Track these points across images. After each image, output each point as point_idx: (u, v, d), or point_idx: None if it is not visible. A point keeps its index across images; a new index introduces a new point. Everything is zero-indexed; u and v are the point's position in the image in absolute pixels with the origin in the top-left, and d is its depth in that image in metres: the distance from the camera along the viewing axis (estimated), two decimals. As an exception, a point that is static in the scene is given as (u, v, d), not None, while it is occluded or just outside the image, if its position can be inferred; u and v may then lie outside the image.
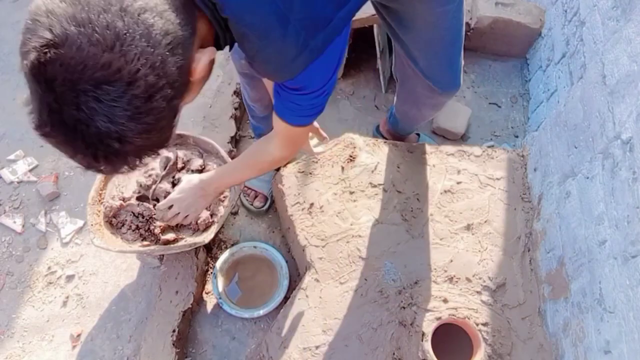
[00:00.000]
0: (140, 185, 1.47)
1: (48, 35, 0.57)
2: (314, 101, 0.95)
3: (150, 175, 1.48)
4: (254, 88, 1.50)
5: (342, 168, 1.62)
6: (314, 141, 1.50)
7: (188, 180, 1.37)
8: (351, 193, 1.58)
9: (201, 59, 0.71)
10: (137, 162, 0.67)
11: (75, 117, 0.59)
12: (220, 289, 1.58)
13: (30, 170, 1.89)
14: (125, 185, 1.51)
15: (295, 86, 0.91)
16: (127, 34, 0.58)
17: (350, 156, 1.64)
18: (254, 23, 0.76)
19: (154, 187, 1.46)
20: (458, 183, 1.60)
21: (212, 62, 0.76)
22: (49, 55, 0.57)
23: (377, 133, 1.93)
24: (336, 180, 1.60)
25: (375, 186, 1.59)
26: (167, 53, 0.62)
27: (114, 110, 0.59)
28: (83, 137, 0.61)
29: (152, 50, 0.60)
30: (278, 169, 1.79)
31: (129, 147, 0.64)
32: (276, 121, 1.04)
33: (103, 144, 0.62)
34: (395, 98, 1.67)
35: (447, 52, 1.30)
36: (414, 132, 1.90)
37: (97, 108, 0.59)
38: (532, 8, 2.08)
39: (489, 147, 1.74)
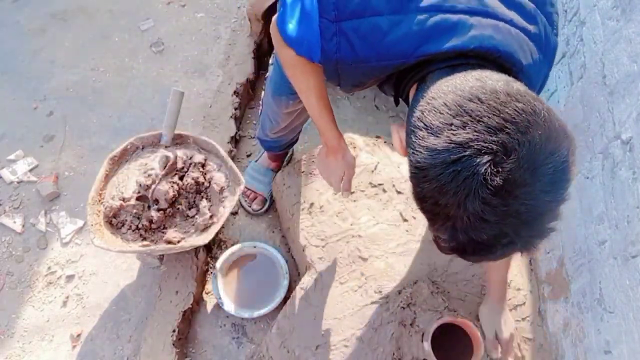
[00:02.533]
0: (140, 185, 1.47)
1: (489, 158, 0.58)
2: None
3: (149, 175, 1.48)
4: (283, 125, 1.50)
5: (342, 168, 1.62)
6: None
7: (490, 318, 1.35)
8: (351, 193, 1.57)
9: None
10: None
11: (544, 201, 0.61)
12: (222, 291, 1.57)
13: (30, 170, 1.89)
14: (125, 185, 1.50)
15: None
16: (531, 106, 0.61)
17: (350, 156, 1.64)
18: (531, 76, 0.83)
19: (153, 187, 1.46)
20: (458, 183, 1.60)
21: None
22: (506, 168, 0.58)
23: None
24: (336, 180, 1.60)
25: (375, 186, 1.59)
26: (544, 103, 0.66)
27: (567, 171, 0.62)
28: (544, 218, 0.63)
29: (543, 104, 0.64)
30: (277, 171, 1.80)
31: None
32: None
33: (559, 211, 0.64)
34: None
35: None
36: None
37: (557, 179, 0.61)
38: (532, 8, 2.08)
39: (489, 147, 1.74)
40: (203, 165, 1.54)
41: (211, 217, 1.47)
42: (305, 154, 1.73)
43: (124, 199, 1.46)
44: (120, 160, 1.54)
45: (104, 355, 1.55)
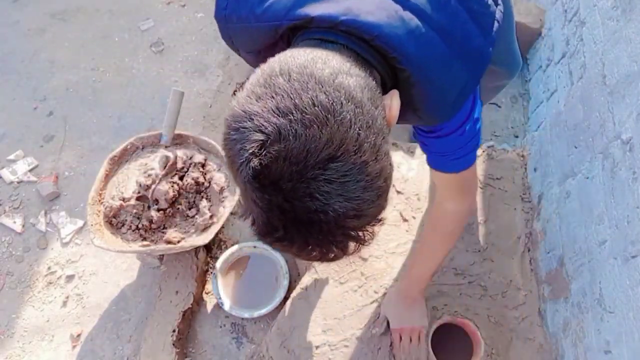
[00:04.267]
0: (140, 185, 1.47)
1: (260, 137, 0.54)
2: (468, 134, 0.86)
3: (149, 175, 1.48)
4: None
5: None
6: None
7: (387, 300, 1.32)
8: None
9: (392, 105, 0.66)
10: (367, 237, 0.61)
11: (310, 208, 0.54)
12: (222, 291, 1.57)
13: (30, 170, 1.89)
14: (125, 185, 1.51)
15: (442, 131, 0.85)
16: (334, 103, 0.55)
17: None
18: (430, 71, 0.71)
19: (153, 187, 1.46)
20: (458, 183, 1.60)
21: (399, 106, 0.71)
22: (269, 154, 0.53)
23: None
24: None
25: (375, 186, 1.59)
26: (372, 107, 0.59)
27: (348, 186, 0.55)
28: (320, 228, 0.56)
29: (360, 110, 0.57)
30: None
31: (365, 221, 0.59)
32: (439, 178, 0.96)
33: (341, 226, 0.57)
34: None
35: (508, 34, 1.25)
36: None
37: (331, 190, 0.54)
38: (532, 8, 2.08)
39: (489, 147, 1.73)
40: (203, 165, 1.54)
41: (211, 217, 1.47)
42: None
43: (124, 199, 1.47)
44: (120, 160, 1.55)
45: (104, 355, 1.55)
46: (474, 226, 1.52)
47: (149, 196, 1.46)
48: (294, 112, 0.54)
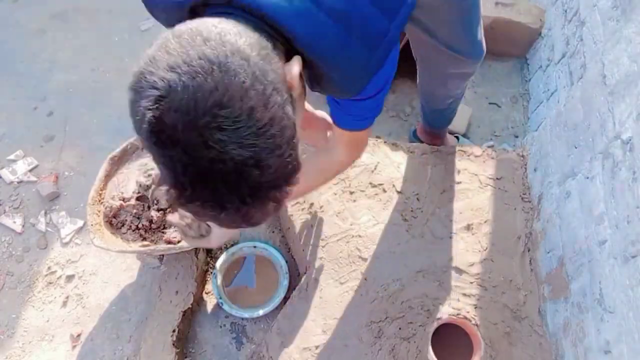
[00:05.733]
0: (140, 185, 1.47)
1: (154, 93, 0.57)
2: (374, 103, 0.95)
3: (149, 176, 1.48)
4: None
5: (342, 168, 1.62)
6: None
7: None
8: (351, 193, 1.58)
9: (292, 69, 0.70)
10: (281, 195, 0.63)
11: (208, 157, 0.57)
12: (222, 291, 1.58)
13: (30, 170, 1.89)
14: (125, 185, 1.51)
15: (359, 96, 0.90)
16: (219, 55, 0.58)
17: (350, 156, 1.64)
18: (322, 51, 0.76)
19: (153, 187, 1.46)
20: (458, 183, 1.60)
21: (302, 76, 0.75)
22: (161, 107, 0.57)
23: (415, 138, 1.91)
24: (336, 180, 1.60)
25: (375, 186, 1.59)
26: (261, 62, 0.62)
27: (240, 132, 0.57)
28: (223, 179, 0.58)
29: (246, 62, 0.60)
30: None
31: (268, 174, 0.60)
32: (337, 130, 1.03)
33: (244, 177, 0.59)
34: (418, 82, 1.62)
35: (465, 22, 1.28)
36: (448, 124, 1.84)
37: (224, 137, 0.56)
38: (532, 8, 2.08)
39: (489, 147, 1.74)
40: None
41: (211, 217, 1.47)
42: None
43: (124, 199, 1.47)
44: (120, 160, 1.55)
45: (104, 355, 1.55)
46: (474, 226, 1.52)
47: (149, 196, 1.45)
48: (181, 66, 0.57)
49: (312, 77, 0.82)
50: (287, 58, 0.71)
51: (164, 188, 0.62)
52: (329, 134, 1.35)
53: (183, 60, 0.58)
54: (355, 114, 0.98)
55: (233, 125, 0.57)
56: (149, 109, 0.57)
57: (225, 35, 0.61)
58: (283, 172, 0.63)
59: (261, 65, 0.61)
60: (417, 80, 1.62)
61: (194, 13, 0.76)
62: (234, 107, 0.57)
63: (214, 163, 0.57)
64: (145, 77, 0.58)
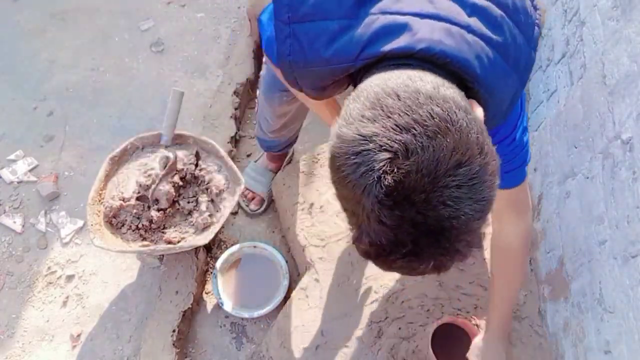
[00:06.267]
0: (140, 185, 1.47)
1: (388, 155, 0.56)
2: (518, 143, 0.94)
3: (149, 175, 1.48)
4: (277, 127, 1.51)
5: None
6: None
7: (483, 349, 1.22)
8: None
9: (478, 111, 0.70)
10: (480, 241, 0.65)
11: (444, 215, 0.57)
12: (222, 291, 1.57)
13: (30, 170, 1.89)
14: (125, 185, 1.51)
15: (495, 138, 0.86)
16: (448, 113, 0.58)
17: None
18: (492, 86, 0.75)
19: (153, 187, 1.46)
20: (458, 183, 1.60)
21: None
22: (402, 169, 0.56)
23: None
24: (336, 180, 1.59)
25: (375, 186, 1.59)
26: (474, 113, 0.63)
27: (476, 188, 0.58)
28: (450, 235, 0.58)
29: (471, 116, 0.61)
30: (277, 172, 1.79)
31: (484, 221, 0.62)
32: (501, 201, 0.99)
33: (469, 230, 0.60)
34: None
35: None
36: None
37: (461, 194, 0.57)
38: (532, 8, 2.08)
39: (489, 147, 1.73)
40: (196, 165, 1.54)
41: (211, 217, 1.47)
42: (306, 154, 1.73)
43: (124, 199, 1.47)
44: (120, 160, 1.55)
45: (104, 355, 1.55)
46: (474, 226, 1.52)
47: (149, 196, 1.45)
48: (415, 126, 0.56)
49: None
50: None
51: (362, 245, 0.62)
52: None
53: (414, 120, 0.57)
54: (508, 164, 0.94)
55: (470, 182, 0.57)
56: (387, 172, 0.56)
57: (439, 89, 0.61)
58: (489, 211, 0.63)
59: (474, 117, 0.62)
60: None
61: (351, 74, 0.77)
62: (473, 165, 0.57)
63: (448, 220, 0.57)
64: (372, 139, 0.57)
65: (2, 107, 2.04)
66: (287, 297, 1.52)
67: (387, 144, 0.56)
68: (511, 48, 0.77)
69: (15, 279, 1.69)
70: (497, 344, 1.19)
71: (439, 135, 0.56)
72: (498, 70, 0.75)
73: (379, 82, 0.63)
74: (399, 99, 0.59)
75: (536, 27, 0.82)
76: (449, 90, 0.62)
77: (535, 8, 0.84)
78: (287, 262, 1.63)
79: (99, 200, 1.47)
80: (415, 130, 0.56)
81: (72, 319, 1.62)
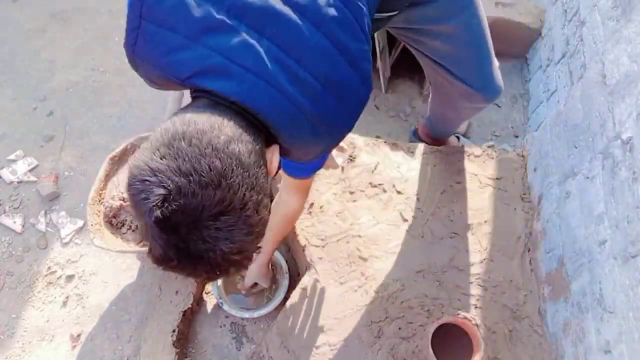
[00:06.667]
0: (140, 185, 1.47)
1: (163, 192, 0.64)
2: (318, 163, 1.08)
3: (150, 175, 1.48)
4: None
5: (342, 168, 1.62)
6: (334, 153, 1.54)
7: (251, 271, 1.54)
8: (351, 193, 1.58)
9: (272, 158, 0.81)
10: (246, 264, 0.74)
11: (202, 248, 0.66)
12: (222, 291, 1.57)
13: (30, 170, 1.89)
14: (125, 185, 1.51)
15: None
16: (226, 169, 0.67)
17: (350, 156, 1.64)
18: (284, 124, 0.82)
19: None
20: (458, 183, 1.60)
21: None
22: (170, 208, 0.64)
23: (415, 137, 1.92)
24: (336, 180, 1.60)
25: (375, 186, 1.59)
26: (257, 170, 0.71)
27: (233, 232, 0.67)
28: (209, 261, 0.68)
29: (247, 173, 0.69)
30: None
31: (245, 255, 0.72)
32: (288, 179, 1.15)
33: (226, 260, 0.69)
34: (429, 101, 1.64)
35: (473, 53, 1.30)
36: (453, 134, 1.88)
37: (219, 236, 0.66)
38: (532, 8, 2.08)
39: (489, 147, 1.74)
40: None
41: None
42: (330, 168, 1.73)
43: (124, 199, 1.47)
44: (120, 160, 1.55)
45: (104, 355, 1.55)
46: (473, 226, 1.52)
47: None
48: (193, 174, 0.65)
49: (281, 151, 0.89)
50: (267, 142, 0.80)
51: (147, 249, 0.71)
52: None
53: (194, 169, 0.65)
54: (306, 167, 1.09)
55: (228, 228, 0.67)
56: (158, 207, 0.64)
57: (230, 143, 0.69)
58: (254, 250, 0.75)
59: (256, 173, 0.71)
60: (429, 99, 1.64)
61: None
62: (233, 216, 0.67)
63: (205, 252, 0.67)
64: (155, 174, 0.65)
65: (2, 107, 2.04)
66: (287, 297, 1.52)
67: (165, 182, 0.64)
68: (323, 118, 0.82)
69: (15, 279, 1.69)
70: (261, 271, 1.51)
71: (209, 187, 0.65)
72: (304, 132, 0.82)
73: (185, 121, 0.70)
74: (190, 145, 0.66)
75: (353, 94, 0.86)
76: (240, 146, 0.70)
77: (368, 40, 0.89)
78: (287, 262, 1.63)
79: (99, 200, 1.47)
80: (192, 177, 0.64)
81: (72, 319, 1.62)
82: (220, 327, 1.60)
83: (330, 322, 1.38)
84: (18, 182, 1.86)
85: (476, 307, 1.39)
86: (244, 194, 0.68)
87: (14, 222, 1.78)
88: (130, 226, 1.45)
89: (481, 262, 1.46)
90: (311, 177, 1.17)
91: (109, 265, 1.70)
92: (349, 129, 0.88)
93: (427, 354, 1.24)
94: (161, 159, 0.66)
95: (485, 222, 1.53)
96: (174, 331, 1.47)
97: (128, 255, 1.70)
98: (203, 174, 0.65)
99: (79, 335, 1.58)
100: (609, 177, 1.16)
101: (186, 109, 0.77)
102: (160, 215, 0.64)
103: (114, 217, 1.46)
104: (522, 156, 1.68)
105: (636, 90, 1.10)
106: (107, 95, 2.07)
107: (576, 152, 1.35)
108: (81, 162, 1.91)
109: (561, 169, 1.42)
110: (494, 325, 1.36)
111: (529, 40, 2.12)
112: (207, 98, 0.79)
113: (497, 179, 1.62)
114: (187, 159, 0.65)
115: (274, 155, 0.82)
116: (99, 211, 1.46)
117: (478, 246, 1.49)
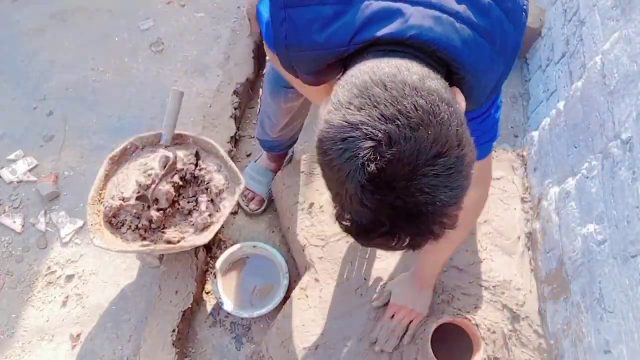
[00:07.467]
0: (140, 185, 1.47)
1: (372, 144, 0.59)
2: (491, 120, 0.99)
3: (149, 175, 1.48)
4: (283, 123, 1.52)
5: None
6: None
7: (399, 279, 1.38)
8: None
9: (459, 100, 0.72)
10: (454, 222, 0.67)
11: (421, 202, 0.60)
12: (222, 291, 1.57)
13: (30, 170, 1.89)
14: (125, 185, 1.51)
15: (470, 115, 0.91)
16: (432, 106, 0.61)
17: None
18: (478, 71, 0.78)
19: (153, 187, 1.46)
20: (458, 183, 1.60)
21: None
22: (385, 159, 0.59)
23: None
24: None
25: (375, 186, 1.59)
26: (456, 105, 0.65)
27: (452, 178, 0.61)
28: (427, 219, 0.62)
29: (453, 108, 0.63)
30: (277, 172, 1.79)
31: (460, 207, 0.65)
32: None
33: (445, 214, 0.64)
34: None
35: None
36: None
37: (438, 183, 0.60)
38: (532, 8, 2.08)
39: (489, 147, 1.73)
40: (196, 165, 1.54)
41: (211, 217, 1.47)
42: (306, 154, 1.73)
43: (124, 199, 1.47)
44: (120, 160, 1.55)
45: (104, 355, 1.55)
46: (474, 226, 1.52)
47: (149, 196, 1.45)
48: (399, 117, 0.59)
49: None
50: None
51: (345, 222, 0.66)
52: None
53: (399, 112, 0.59)
54: (478, 138, 0.98)
55: (447, 172, 0.60)
56: (371, 160, 0.59)
57: (425, 81, 0.63)
58: (463, 201, 0.66)
59: (456, 108, 0.65)
60: None
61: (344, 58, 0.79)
62: (451, 156, 0.60)
63: (425, 206, 0.61)
64: (358, 127, 0.60)
65: (2, 107, 2.04)
66: (287, 297, 1.52)
67: (372, 133, 0.59)
68: (497, 34, 0.79)
69: (15, 279, 1.69)
70: (409, 283, 1.33)
71: (421, 128, 0.59)
72: (485, 57, 0.77)
73: (368, 71, 0.65)
74: (386, 90, 0.61)
75: (524, 13, 0.85)
76: (434, 82, 0.64)
77: None
78: (287, 262, 1.63)
79: (99, 200, 1.47)
80: (400, 121, 0.59)
81: (72, 319, 1.62)
82: (220, 327, 1.60)
83: (330, 322, 1.38)
84: (18, 182, 1.86)
85: (476, 307, 1.39)
86: (457, 130, 0.62)
87: (14, 222, 1.78)
88: (130, 226, 1.45)
89: (481, 262, 1.46)
90: (489, 156, 1.06)
91: (109, 265, 1.70)
92: (519, 46, 0.83)
93: (427, 354, 1.24)
94: (359, 110, 0.61)
95: (485, 222, 1.53)
96: (174, 331, 1.47)
97: (128, 255, 1.70)
98: (410, 115, 0.59)
99: (79, 335, 1.58)
100: (608, 177, 1.16)
101: (359, 66, 0.69)
102: (375, 169, 0.58)
103: (114, 217, 1.45)
104: (522, 156, 1.68)
105: (636, 90, 1.10)
106: (107, 95, 2.07)
107: (576, 152, 1.35)
108: (81, 162, 1.91)
109: (561, 169, 1.42)
110: (494, 325, 1.36)
111: (529, 40, 2.12)
112: (374, 52, 0.73)
113: (497, 179, 1.62)
114: (387, 104, 0.60)
115: (459, 97, 0.74)
116: (99, 211, 1.46)
117: (478, 246, 1.49)
